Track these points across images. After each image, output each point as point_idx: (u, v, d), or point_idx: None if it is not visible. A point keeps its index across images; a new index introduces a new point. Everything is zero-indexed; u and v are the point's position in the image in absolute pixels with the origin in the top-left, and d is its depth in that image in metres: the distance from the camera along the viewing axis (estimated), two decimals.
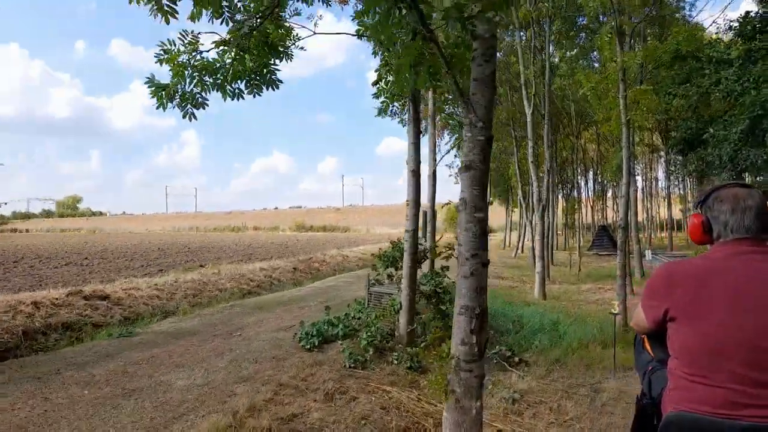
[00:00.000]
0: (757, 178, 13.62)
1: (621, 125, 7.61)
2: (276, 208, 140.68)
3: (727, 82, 10.95)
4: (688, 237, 1.78)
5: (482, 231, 2.83)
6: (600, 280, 15.22)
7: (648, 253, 20.56)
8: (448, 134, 12.09)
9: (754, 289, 1.38)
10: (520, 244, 28.87)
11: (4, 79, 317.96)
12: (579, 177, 31.52)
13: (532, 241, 18.58)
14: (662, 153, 31.37)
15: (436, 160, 9.55)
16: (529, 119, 11.47)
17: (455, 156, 14.62)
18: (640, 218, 47.91)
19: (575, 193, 34.99)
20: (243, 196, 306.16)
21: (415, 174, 6.00)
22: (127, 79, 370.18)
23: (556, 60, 21.26)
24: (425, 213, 9.61)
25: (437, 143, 9.80)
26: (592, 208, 40.02)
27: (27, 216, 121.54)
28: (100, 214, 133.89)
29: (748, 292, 1.38)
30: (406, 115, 7.43)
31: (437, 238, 9.29)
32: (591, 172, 34.65)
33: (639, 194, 45.36)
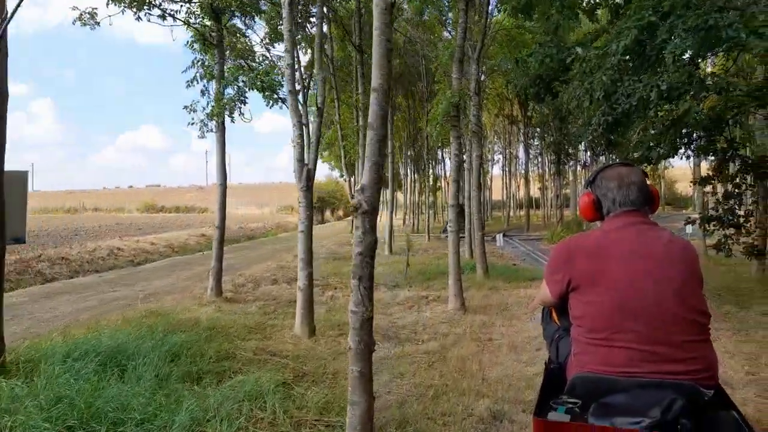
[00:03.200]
0: (634, 154, 9.96)
1: None
2: (131, 186, 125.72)
3: None
4: (580, 215, 1.83)
5: None
6: (434, 279, 10.97)
7: (499, 238, 17.27)
8: None
9: (647, 255, 1.52)
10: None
11: None
12: (436, 151, 27.88)
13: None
14: (521, 126, 29.31)
15: None
16: (284, 14, 6.06)
17: (203, 98, 8.57)
18: (498, 196, 47.38)
19: (439, 170, 31.87)
20: (107, 173, 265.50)
21: None
22: None
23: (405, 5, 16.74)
24: None
25: None
26: (449, 185, 37.37)
27: None
28: None
29: (643, 258, 1.52)
30: None
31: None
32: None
33: (497, 171, 44.35)
